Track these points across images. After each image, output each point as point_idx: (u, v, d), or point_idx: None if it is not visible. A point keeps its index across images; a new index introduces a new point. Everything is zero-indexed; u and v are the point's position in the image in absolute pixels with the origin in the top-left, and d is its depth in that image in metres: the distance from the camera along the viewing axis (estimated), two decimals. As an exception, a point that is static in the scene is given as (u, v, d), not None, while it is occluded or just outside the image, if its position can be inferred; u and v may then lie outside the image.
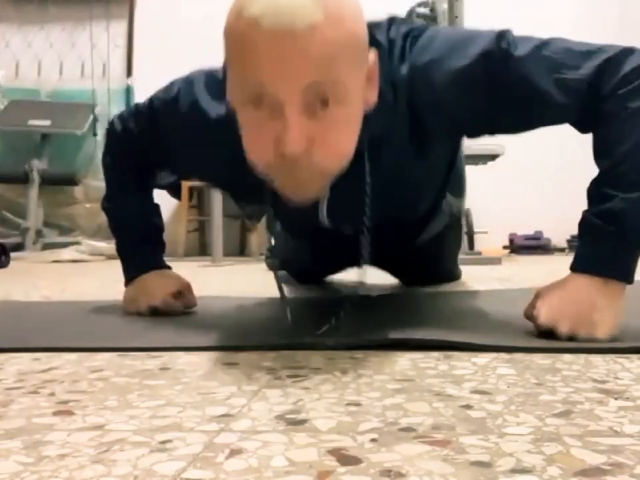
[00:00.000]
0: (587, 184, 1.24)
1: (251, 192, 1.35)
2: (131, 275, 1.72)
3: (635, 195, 1.17)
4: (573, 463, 0.58)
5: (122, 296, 1.71)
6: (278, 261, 2.54)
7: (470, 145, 4.31)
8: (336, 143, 1.12)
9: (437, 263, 2.31)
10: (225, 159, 1.38)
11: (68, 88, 6.77)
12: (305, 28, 1.01)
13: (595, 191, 1.22)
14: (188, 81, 1.49)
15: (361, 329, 1.29)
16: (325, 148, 1.10)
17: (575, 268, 1.23)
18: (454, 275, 2.56)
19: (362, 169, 1.28)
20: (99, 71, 6.75)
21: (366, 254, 1.35)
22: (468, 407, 0.78)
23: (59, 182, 6.24)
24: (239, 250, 6.21)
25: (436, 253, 2.18)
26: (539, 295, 1.24)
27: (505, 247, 5.88)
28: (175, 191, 5.92)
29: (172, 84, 1.53)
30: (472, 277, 2.83)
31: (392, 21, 1.34)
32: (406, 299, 1.87)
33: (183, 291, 1.68)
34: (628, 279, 1.20)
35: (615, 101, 1.20)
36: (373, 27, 1.25)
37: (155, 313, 1.61)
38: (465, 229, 4.56)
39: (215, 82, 1.41)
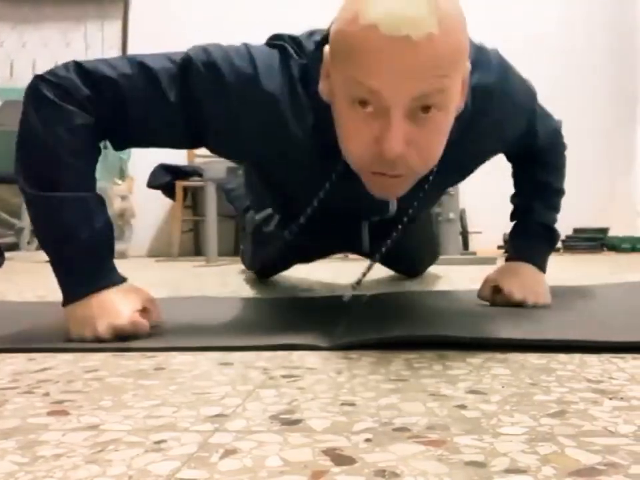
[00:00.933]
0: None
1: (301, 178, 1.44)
2: (79, 290, 1.31)
3: (557, 216, 1.79)
4: (567, 463, 0.58)
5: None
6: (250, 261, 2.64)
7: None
8: (432, 147, 1.18)
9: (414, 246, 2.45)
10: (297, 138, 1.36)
11: (63, 88, 6.76)
12: (422, 38, 1.05)
13: (539, 205, 1.76)
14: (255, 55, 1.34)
15: (356, 329, 1.29)
16: (422, 151, 1.16)
17: (521, 258, 1.72)
18: (427, 261, 2.82)
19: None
20: (93, 71, 6.74)
21: (366, 240, 1.73)
22: (462, 406, 0.78)
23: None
24: (234, 250, 6.20)
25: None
26: (493, 279, 1.68)
27: (499, 247, 5.88)
28: (169, 191, 5.92)
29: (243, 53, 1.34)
30: (467, 277, 2.84)
31: None
32: (398, 300, 1.87)
33: (148, 307, 1.36)
34: (545, 269, 1.75)
35: (551, 153, 1.79)
36: None
37: (119, 336, 1.26)
38: (459, 229, 4.57)
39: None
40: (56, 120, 1.30)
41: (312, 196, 1.43)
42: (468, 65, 1.22)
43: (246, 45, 1.34)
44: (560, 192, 1.81)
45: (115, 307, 1.28)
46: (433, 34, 1.05)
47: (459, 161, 1.46)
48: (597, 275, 2.91)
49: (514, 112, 1.53)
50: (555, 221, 1.78)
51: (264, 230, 2.08)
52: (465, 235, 5.38)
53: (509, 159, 1.85)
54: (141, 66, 1.33)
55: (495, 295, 1.66)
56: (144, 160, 5.75)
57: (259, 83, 1.30)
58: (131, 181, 6.13)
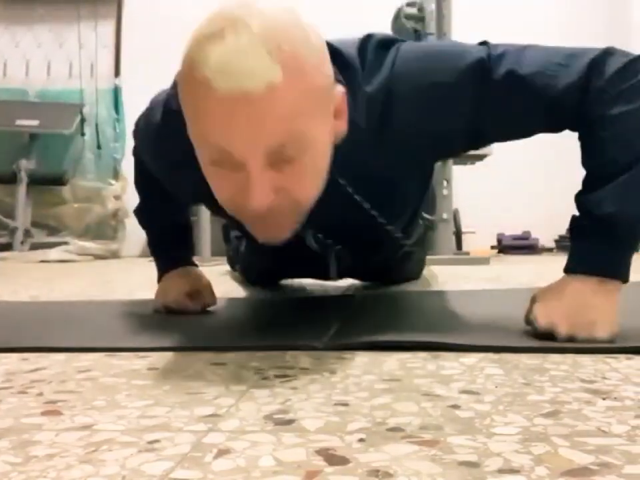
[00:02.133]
0: (575, 184, 1.24)
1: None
2: (159, 272, 1.77)
3: (624, 195, 1.17)
4: (560, 463, 0.58)
5: (110, 296, 1.73)
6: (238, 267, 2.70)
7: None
8: (303, 188, 1.09)
9: (402, 271, 2.37)
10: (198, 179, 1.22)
11: (56, 88, 6.76)
12: (262, 90, 0.95)
13: (585, 195, 1.21)
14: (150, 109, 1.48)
15: (350, 330, 1.29)
16: (293, 194, 1.07)
17: (569, 269, 1.22)
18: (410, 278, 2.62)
19: (337, 192, 1.26)
20: (86, 71, 6.73)
21: (334, 269, 1.58)
22: (456, 407, 0.78)
23: (47, 182, 6.22)
24: (227, 250, 6.20)
25: (402, 264, 2.25)
26: (535, 298, 1.23)
27: (492, 247, 5.89)
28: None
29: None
30: (460, 277, 2.84)
31: (368, 37, 1.28)
32: (392, 300, 1.87)
33: (201, 290, 1.69)
34: (623, 277, 1.19)
35: (602, 105, 1.18)
36: (343, 45, 1.24)
37: (170, 311, 1.64)
38: (453, 229, 4.58)
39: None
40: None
41: None
42: (339, 91, 1.13)
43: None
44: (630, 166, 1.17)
45: (167, 288, 1.69)
46: (274, 84, 0.95)
47: (393, 169, 1.34)
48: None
49: (437, 92, 1.23)
50: (626, 204, 1.17)
51: (240, 249, 2.34)
52: (458, 235, 5.39)
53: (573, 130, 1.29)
54: None
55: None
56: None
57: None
58: (125, 181, 6.13)
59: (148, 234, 1.82)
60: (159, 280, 1.75)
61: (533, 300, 1.23)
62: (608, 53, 1.21)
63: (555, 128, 1.30)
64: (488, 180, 5.80)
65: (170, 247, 1.78)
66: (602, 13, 6.45)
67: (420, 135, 1.27)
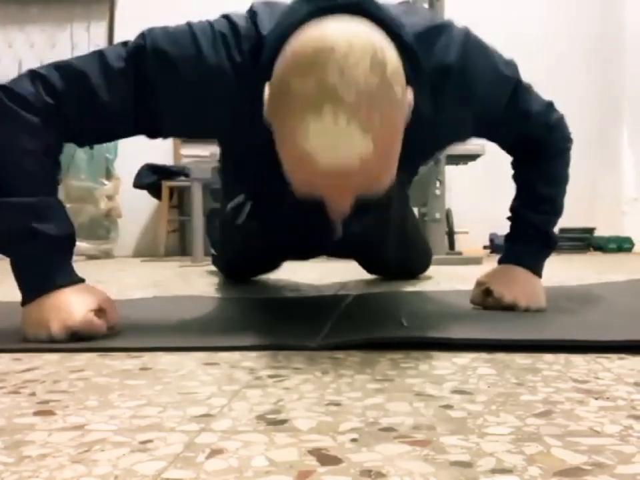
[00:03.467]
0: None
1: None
2: (33, 290, 1.30)
3: (556, 219, 1.71)
4: (553, 463, 0.58)
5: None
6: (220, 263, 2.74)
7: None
8: (382, 184, 1.15)
9: (399, 250, 2.41)
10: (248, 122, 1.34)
11: (49, 88, 6.75)
12: (357, 164, 1.04)
13: (531, 212, 1.69)
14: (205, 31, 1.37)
15: (342, 329, 1.29)
16: (371, 188, 1.14)
17: (514, 261, 1.67)
18: (417, 268, 2.76)
19: None
20: (79, 71, 6.72)
21: (339, 228, 1.50)
22: (448, 406, 0.78)
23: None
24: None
25: (399, 241, 2.33)
26: (483, 282, 1.64)
27: (485, 247, 5.89)
28: (155, 191, 5.91)
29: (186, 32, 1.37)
30: (453, 276, 2.84)
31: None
32: (385, 300, 1.87)
33: (104, 308, 1.33)
34: (540, 273, 1.68)
35: (556, 148, 1.70)
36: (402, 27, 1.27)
37: (73, 336, 1.25)
38: (445, 229, 4.57)
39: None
40: (16, 129, 1.31)
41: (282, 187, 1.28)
42: (409, 99, 1.18)
43: (189, 24, 1.37)
44: (555, 200, 1.72)
45: (68, 307, 1.27)
46: (367, 155, 1.04)
47: (419, 149, 1.45)
48: (583, 275, 2.92)
49: (480, 89, 1.47)
50: (550, 223, 1.70)
51: (236, 222, 2.05)
52: (451, 234, 5.39)
53: (510, 153, 1.78)
54: (98, 54, 1.40)
55: (485, 298, 1.61)
56: (130, 160, 5.75)
57: (203, 59, 1.32)
58: (117, 181, 6.12)
59: (16, 241, 1.30)
60: (31, 300, 1.29)
61: (480, 283, 1.65)
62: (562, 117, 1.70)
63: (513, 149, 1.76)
64: (480, 180, 5.81)
65: (59, 255, 1.34)
66: (595, 12, 6.45)
67: (465, 120, 1.53)
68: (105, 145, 6.49)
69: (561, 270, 3.18)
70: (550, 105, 1.66)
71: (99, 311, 1.30)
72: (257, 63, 1.26)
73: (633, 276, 2.67)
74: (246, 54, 1.31)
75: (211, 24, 1.35)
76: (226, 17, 1.36)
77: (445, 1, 4.24)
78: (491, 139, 1.71)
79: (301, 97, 1.04)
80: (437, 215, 4.19)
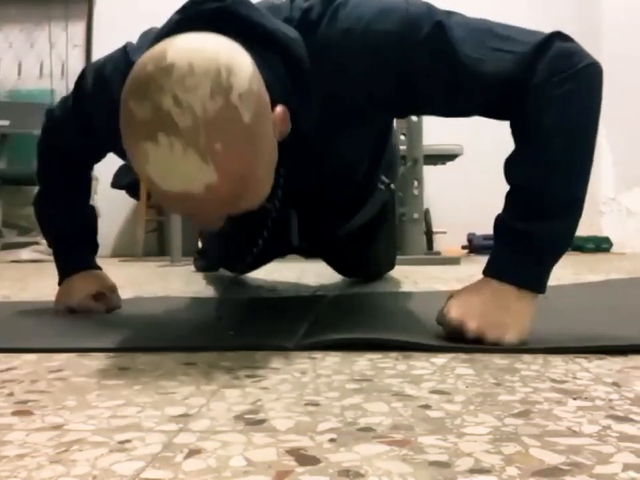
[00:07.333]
0: None
1: None
2: (61, 275, 1.74)
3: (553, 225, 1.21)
4: (531, 463, 0.58)
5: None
6: (207, 262, 2.85)
7: (429, 145, 4.33)
8: (250, 202, 1.15)
9: (369, 254, 2.36)
10: None
11: (27, 88, 6.71)
12: (202, 191, 1.01)
13: (515, 202, 1.23)
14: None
15: (320, 330, 1.29)
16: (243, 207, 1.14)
17: (490, 272, 1.20)
18: (383, 270, 2.64)
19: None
20: (57, 71, 6.69)
21: (295, 234, 1.61)
22: (427, 406, 0.78)
23: (18, 182, 6.18)
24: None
25: (368, 242, 2.25)
26: (451, 296, 1.21)
27: (463, 247, 5.91)
28: (134, 191, 5.89)
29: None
30: (431, 277, 2.85)
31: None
32: (363, 300, 1.87)
33: (105, 293, 1.70)
34: (541, 289, 1.19)
35: (544, 88, 1.17)
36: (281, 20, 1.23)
37: (74, 313, 1.64)
38: (424, 229, 4.58)
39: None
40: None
41: None
42: (278, 112, 1.12)
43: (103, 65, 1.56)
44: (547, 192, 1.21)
45: (71, 290, 1.68)
46: (212, 184, 1.01)
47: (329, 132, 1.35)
48: (560, 275, 2.93)
49: (367, 48, 1.21)
50: (533, 221, 1.18)
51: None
52: (429, 234, 5.40)
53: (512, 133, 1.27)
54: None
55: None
56: (108, 160, 5.70)
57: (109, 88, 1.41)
58: (95, 182, 6.10)
59: (47, 230, 1.80)
60: (61, 282, 1.74)
61: (450, 298, 1.21)
62: (556, 36, 1.20)
63: (485, 102, 1.26)
64: (459, 180, 5.82)
65: (74, 249, 1.76)
66: (570, 12, 6.48)
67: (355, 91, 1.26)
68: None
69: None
70: (539, 47, 1.18)
71: (100, 295, 1.67)
72: None
73: (610, 276, 2.68)
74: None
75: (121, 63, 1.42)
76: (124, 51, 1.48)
77: None
78: (460, 113, 1.33)
79: (139, 121, 1.00)
80: (415, 215, 4.19)
